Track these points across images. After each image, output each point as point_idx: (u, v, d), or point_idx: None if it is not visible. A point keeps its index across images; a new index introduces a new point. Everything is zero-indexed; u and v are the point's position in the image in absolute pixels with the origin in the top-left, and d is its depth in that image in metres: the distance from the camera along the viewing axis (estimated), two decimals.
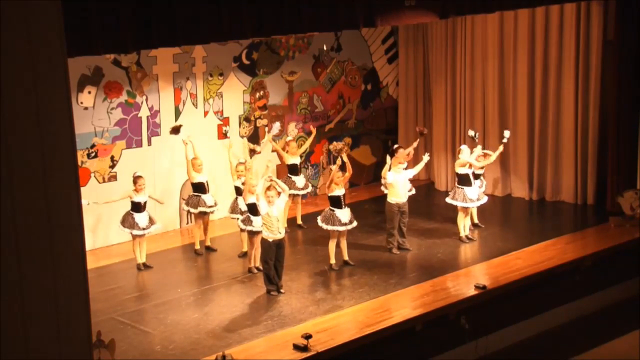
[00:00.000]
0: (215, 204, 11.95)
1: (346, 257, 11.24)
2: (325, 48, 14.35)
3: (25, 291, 3.25)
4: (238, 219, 11.23)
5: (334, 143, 11.70)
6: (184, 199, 12.41)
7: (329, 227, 11.05)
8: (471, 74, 14.41)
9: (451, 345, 10.05)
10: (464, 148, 12.08)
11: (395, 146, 12.22)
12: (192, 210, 11.99)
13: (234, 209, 11.63)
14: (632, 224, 12.27)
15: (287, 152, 12.90)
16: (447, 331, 10.02)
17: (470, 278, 10.67)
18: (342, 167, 11.25)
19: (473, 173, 12.00)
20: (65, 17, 3.35)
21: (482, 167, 12.24)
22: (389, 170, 11.55)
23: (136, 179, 11.21)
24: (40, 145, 3.25)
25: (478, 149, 12.21)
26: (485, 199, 12.21)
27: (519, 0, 11.55)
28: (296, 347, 8.81)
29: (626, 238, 11.95)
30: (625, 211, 12.48)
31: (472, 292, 10.20)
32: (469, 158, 11.93)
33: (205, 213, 11.86)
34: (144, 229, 11.16)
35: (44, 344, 3.33)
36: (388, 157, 11.91)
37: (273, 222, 10.17)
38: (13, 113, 3.18)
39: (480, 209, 12.59)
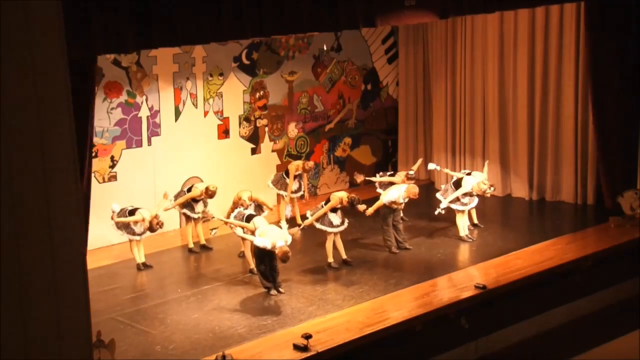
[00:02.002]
0: (203, 211, 11.94)
1: (344, 256, 11.25)
2: (325, 48, 14.35)
3: (25, 291, 3.25)
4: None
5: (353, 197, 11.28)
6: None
7: (318, 226, 11.06)
8: (471, 74, 14.41)
9: (451, 345, 10.05)
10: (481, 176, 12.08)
11: (413, 177, 12.21)
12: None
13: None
14: (632, 224, 12.27)
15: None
16: (447, 331, 10.03)
17: (470, 278, 10.67)
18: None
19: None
20: (65, 17, 3.35)
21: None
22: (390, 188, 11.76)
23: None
24: (40, 145, 3.25)
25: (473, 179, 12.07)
26: (475, 201, 12.18)
27: (519, 0, 11.55)
28: (296, 347, 8.81)
29: (626, 238, 11.94)
30: (625, 211, 12.47)
31: (472, 292, 10.20)
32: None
33: (194, 218, 11.87)
34: (139, 234, 11.19)
35: (44, 343, 3.33)
36: (399, 177, 12.29)
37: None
38: (13, 113, 3.18)
39: (480, 209, 12.59)
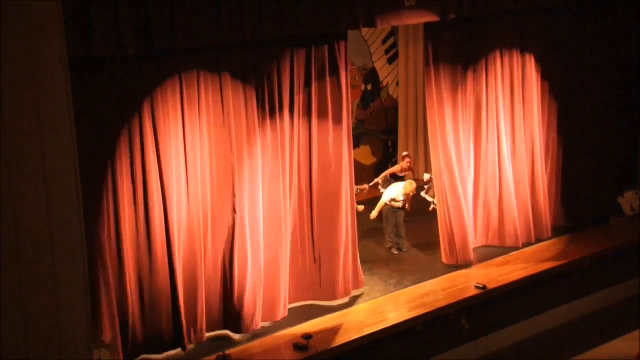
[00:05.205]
0: None
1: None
2: None
3: (25, 291, 3.25)
4: None
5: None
6: None
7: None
8: None
9: (451, 345, 10.06)
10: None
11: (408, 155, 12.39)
12: None
13: None
14: (632, 224, 12.28)
15: None
16: (447, 331, 10.03)
17: (470, 278, 10.67)
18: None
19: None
20: (65, 16, 3.35)
21: None
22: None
23: None
24: (40, 145, 3.25)
25: None
26: None
27: (519, 1, 11.51)
28: (296, 347, 8.82)
29: (626, 238, 11.95)
30: (625, 211, 12.47)
31: (472, 292, 10.21)
32: None
33: None
34: None
35: (44, 343, 3.34)
36: (398, 166, 12.52)
37: None
38: (13, 113, 3.18)
39: None
